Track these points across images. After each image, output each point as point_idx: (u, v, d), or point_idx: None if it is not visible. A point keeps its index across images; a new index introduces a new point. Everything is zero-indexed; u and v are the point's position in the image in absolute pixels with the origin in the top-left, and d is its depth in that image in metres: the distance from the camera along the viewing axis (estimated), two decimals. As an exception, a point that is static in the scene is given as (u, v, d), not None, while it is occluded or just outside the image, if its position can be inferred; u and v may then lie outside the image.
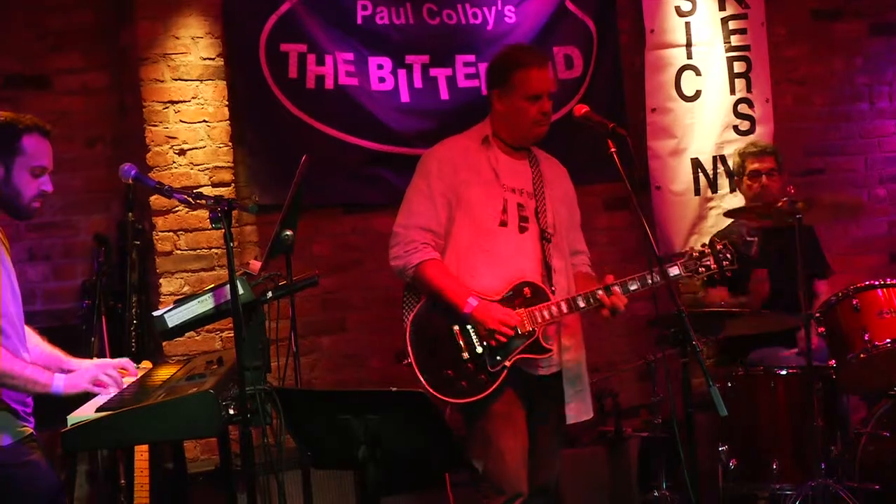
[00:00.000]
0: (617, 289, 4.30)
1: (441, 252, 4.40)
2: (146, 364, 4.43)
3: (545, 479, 4.49)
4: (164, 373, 4.05)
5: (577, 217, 4.66)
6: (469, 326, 4.30)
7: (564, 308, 4.31)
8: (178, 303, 3.66)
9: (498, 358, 4.27)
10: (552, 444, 4.51)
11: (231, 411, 3.39)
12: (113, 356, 5.16)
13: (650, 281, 4.29)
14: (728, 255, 4.35)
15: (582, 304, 4.32)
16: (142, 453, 4.80)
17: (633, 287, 4.32)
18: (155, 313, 3.69)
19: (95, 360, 3.96)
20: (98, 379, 3.73)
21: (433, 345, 4.32)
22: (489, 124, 4.50)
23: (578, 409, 4.45)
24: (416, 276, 4.37)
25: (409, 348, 4.31)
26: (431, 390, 4.21)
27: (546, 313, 4.30)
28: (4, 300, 3.72)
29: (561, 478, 4.70)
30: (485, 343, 4.27)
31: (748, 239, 4.20)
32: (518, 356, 4.29)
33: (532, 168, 4.49)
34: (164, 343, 5.25)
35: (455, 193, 4.39)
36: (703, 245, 4.43)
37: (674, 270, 4.34)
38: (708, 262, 4.34)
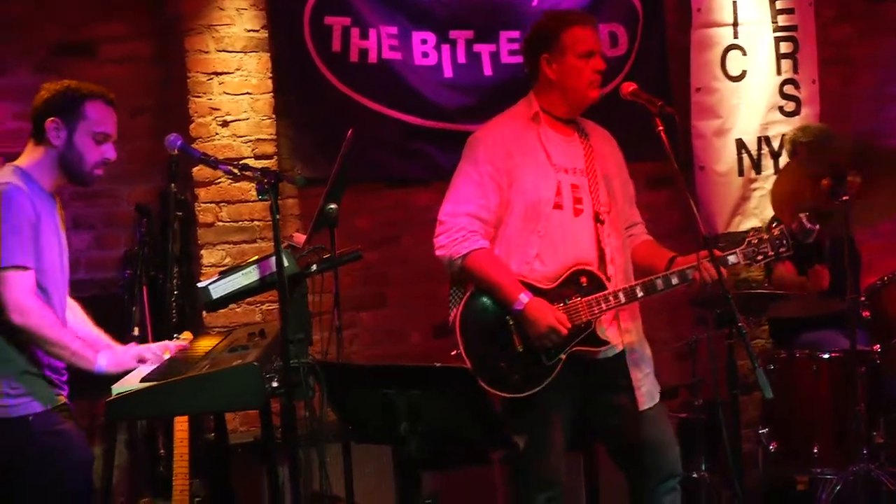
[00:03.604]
0: (675, 279, 4.16)
1: (492, 239, 4.23)
2: (187, 335, 4.45)
3: (655, 467, 4.27)
4: (206, 344, 4.08)
5: (630, 188, 4.48)
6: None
7: (622, 298, 4.16)
8: (223, 274, 3.66)
9: (553, 351, 4.13)
10: (644, 429, 4.27)
11: (274, 384, 3.39)
12: (154, 326, 5.24)
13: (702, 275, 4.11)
14: (784, 243, 4.16)
15: (641, 294, 4.17)
16: (181, 423, 4.81)
17: (691, 277, 4.13)
18: (199, 284, 3.69)
19: (139, 347, 3.98)
20: (142, 356, 3.77)
21: (484, 337, 4.16)
22: (535, 100, 4.33)
23: (649, 394, 4.27)
24: (464, 266, 4.18)
25: (459, 341, 4.16)
26: (484, 385, 3.98)
27: (603, 304, 4.15)
28: (53, 269, 3.77)
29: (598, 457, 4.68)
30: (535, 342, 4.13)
31: (808, 227, 4.07)
32: (574, 349, 4.14)
33: (583, 143, 4.32)
34: (204, 314, 5.26)
35: (507, 177, 4.22)
36: (757, 230, 4.28)
37: (732, 258, 4.16)
38: (766, 250, 4.17)
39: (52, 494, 3.68)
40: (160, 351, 3.87)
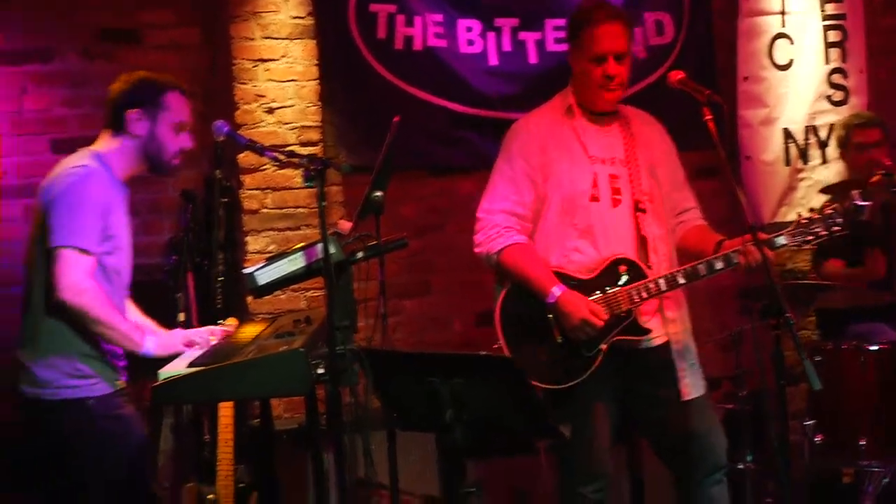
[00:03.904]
0: (719, 264, 4.11)
1: (530, 234, 4.23)
2: (232, 321, 4.46)
3: (699, 457, 4.23)
4: (252, 330, 4.09)
5: (680, 174, 4.43)
6: None
7: (663, 285, 4.12)
8: (270, 261, 3.66)
9: (593, 342, 4.10)
10: (690, 420, 4.23)
11: (320, 370, 3.39)
12: (199, 312, 5.24)
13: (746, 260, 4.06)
14: (838, 221, 4.06)
15: (682, 281, 4.13)
16: (226, 409, 4.82)
17: (736, 260, 4.08)
18: (245, 270, 3.69)
19: (186, 331, 4.02)
20: (190, 340, 3.80)
21: (524, 330, 4.15)
22: (571, 93, 4.31)
23: (693, 385, 4.23)
24: (500, 262, 4.20)
25: (500, 334, 4.16)
26: None
27: (644, 292, 4.12)
28: (120, 258, 3.84)
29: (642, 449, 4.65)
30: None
31: (859, 203, 3.95)
32: (615, 339, 4.12)
33: (623, 132, 4.29)
34: (249, 301, 5.29)
35: (542, 172, 4.21)
36: (812, 210, 4.18)
37: (781, 240, 4.08)
38: (817, 229, 4.08)
39: (110, 478, 3.73)
40: (207, 335, 3.89)
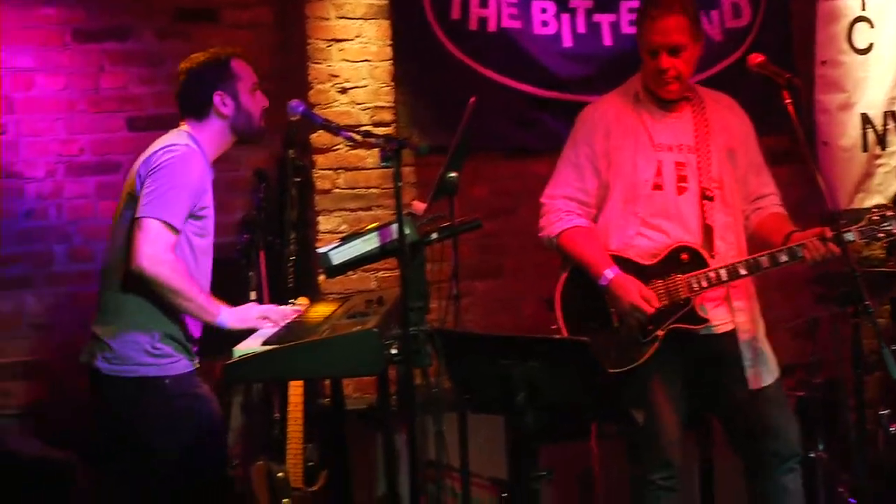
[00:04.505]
0: (783, 257, 4.06)
1: (593, 221, 4.24)
2: (303, 300, 4.48)
3: (773, 444, 4.18)
4: (324, 310, 4.09)
5: (759, 158, 4.37)
6: None
7: (724, 276, 4.07)
8: (344, 240, 3.66)
9: (650, 328, 4.09)
10: (761, 408, 4.19)
11: (392, 351, 3.39)
12: (270, 291, 5.27)
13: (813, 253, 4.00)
14: None
15: (744, 272, 4.08)
16: (296, 388, 4.85)
17: (800, 255, 4.03)
18: (320, 250, 3.70)
19: (263, 306, 4.04)
20: (266, 315, 3.80)
21: (583, 313, 4.16)
22: (639, 79, 4.27)
23: (762, 373, 4.18)
24: (559, 245, 4.24)
25: (560, 317, 4.17)
26: None
27: (703, 281, 4.07)
28: (208, 240, 3.89)
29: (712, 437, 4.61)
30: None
31: None
32: (672, 326, 4.09)
33: (695, 117, 4.23)
34: (320, 280, 5.32)
35: (606, 158, 4.20)
36: (880, 207, 4.12)
37: (849, 236, 3.99)
38: (889, 227, 4.01)
39: (185, 457, 3.75)
40: (283, 312, 3.91)
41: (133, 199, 3.74)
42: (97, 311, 3.84)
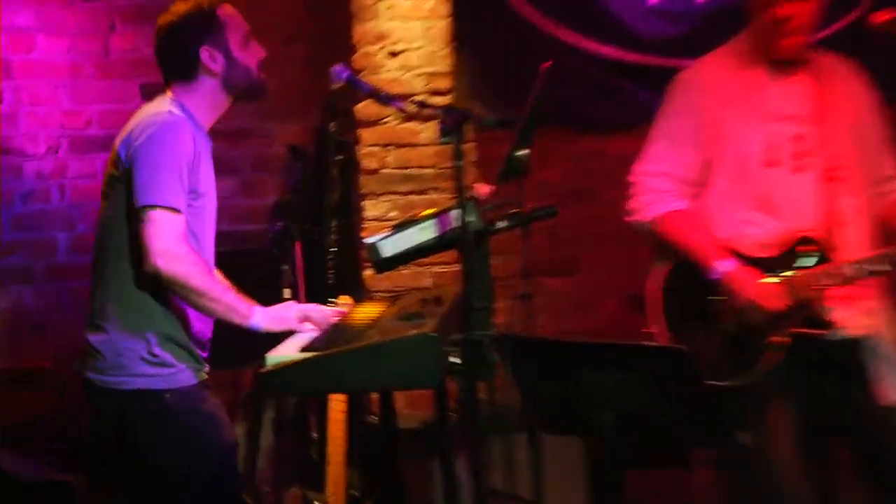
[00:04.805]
0: None
1: (694, 201, 4.18)
2: (346, 299, 4.44)
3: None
4: (371, 310, 4.07)
5: (885, 134, 4.26)
6: None
7: (855, 272, 3.97)
8: (396, 229, 3.63)
9: (770, 332, 4.00)
10: (888, 425, 4.08)
11: (452, 360, 3.35)
12: (307, 288, 5.26)
13: None
14: None
15: (880, 268, 3.98)
16: (338, 402, 4.82)
17: None
18: (367, 240, 3.67)
19: (303, 305, 4.01)
20: (306, 315, 3.79)
21: (683, 314, 4.11)
22: (747, 36, 4.20)
23: (892, 388, 4.07)
24: (655, 231, 4.19)
25: (660, 318, 4.13)
26: None
27: (826, 279, 3.99)
28: (209, 216, 3.84)
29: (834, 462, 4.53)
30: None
31: None
32: (793, 331, 3.99)
33: (815, 84, 4.16)
34: (366, 276, 5.36)
35: (708, 131, 4.14)
36: None
37: None
38: None
39: (191, 481, 3.72)
40: (326, 313, 3.87)
41: (115, 182, 3.70)
42: (88, 313, 3.82)
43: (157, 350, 3.68)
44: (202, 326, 3.80)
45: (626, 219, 4.28)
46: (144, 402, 3.68)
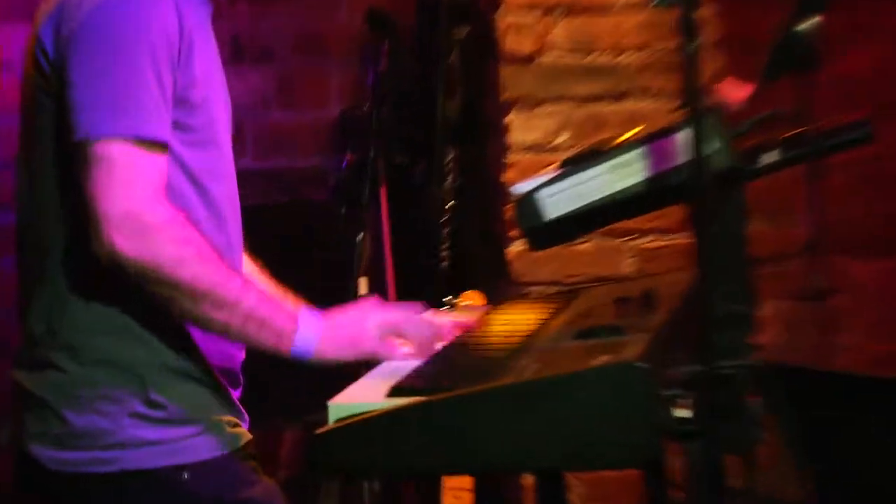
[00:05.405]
0: None
1: None
2: (472, 297, 4.50)
3: None
4: (521, 319, 4.13)
5: None
6: None
7: None
8: (569, 169, 3.69)
9: None
10: None
11: (679, 413, 3.37)
12: (401, 275, 5.32)
13: None
14: None
15: None
16: (459, 493, 4.89)
17: None
18: (515, 188, 3.73)
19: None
20: (399, 328, 3.85)
21: None
22: None
23: None
24: None
25: None
26: None
27: None
28: (220, 139, 3.94)
29: None
30: None
31: None
32: None
33: None
34: (511, 254, 5.44)
35: None
36: None
37: None
38: None
39: None
40: (434, 326, 3.93)
41: (42, 95, 3.77)
42: (22, 337, 3.89)
43: (157, 397, 3.76)
44: (230, 347, 3.91)
45: None
46: (143, 496, 3.78)
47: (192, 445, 3.77)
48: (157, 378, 3.74)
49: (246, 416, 3.94)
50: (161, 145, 3.66)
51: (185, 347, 3.78)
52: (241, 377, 3.93)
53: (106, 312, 3.74)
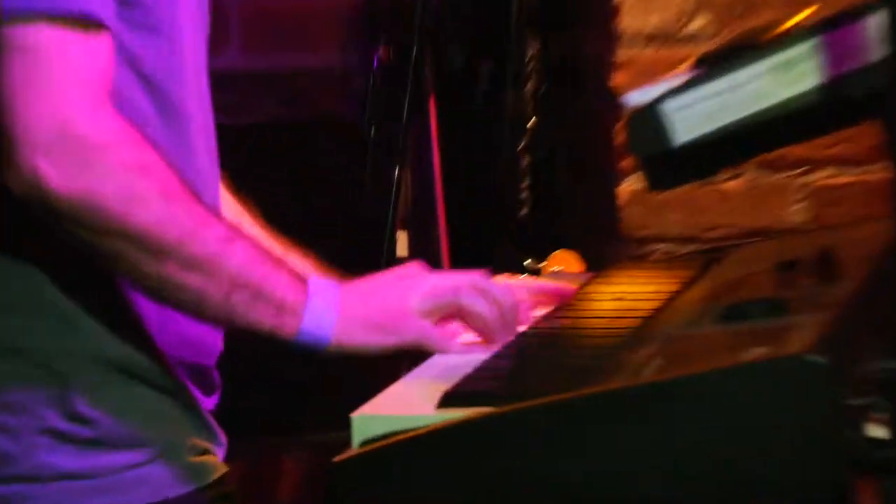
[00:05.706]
0: None
1: None
2: (565, 261, 4.44)
3: None
4: (634, 292, 4.14)
5: None
6: None
7: None
8: (709, 69, 3.60)
9: None
10: None
11: (872, 431, 3.24)
12: (456, 230, 5.21)
13: None
14: None
15: None
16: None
17: None
18: (629, 97, 3.61)
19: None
20: (456, 306, 3.75)
21: None
22: None
23: None
24: None
25: None
26: None
27: None
28: (184, 46, 3.86)
29: None
30: None
31: None
32: None
33: None
34: (619, 197, 5.28)
35: None
36: None
37: None
38: None
39: None
40: (504, 300, 3.84)
41: None
42: None
43: (84, 407, 3.69)
44: (200, 330, 3.87)
45: None
46: None
47: (137, 479, 3.72)
48: (85, 377, 3.69)
49: (222, 437, 3.90)
50: (98, 24, 3.60)
51: (134, 331, 3.70)
52: (216, 378, 3.88)
53: (16, 275, 3.66)
